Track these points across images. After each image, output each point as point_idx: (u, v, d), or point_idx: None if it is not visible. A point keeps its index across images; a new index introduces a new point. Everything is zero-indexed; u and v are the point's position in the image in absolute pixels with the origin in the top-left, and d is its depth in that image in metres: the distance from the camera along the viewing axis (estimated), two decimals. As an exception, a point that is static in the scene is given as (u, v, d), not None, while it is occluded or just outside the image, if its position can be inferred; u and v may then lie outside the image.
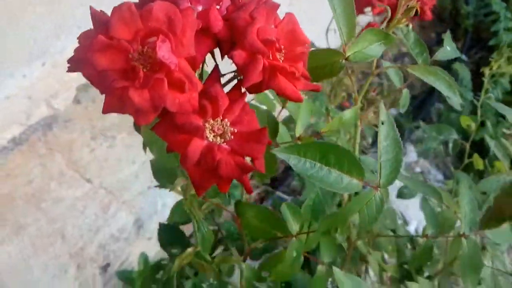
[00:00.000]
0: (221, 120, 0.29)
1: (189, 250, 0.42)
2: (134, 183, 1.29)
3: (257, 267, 0.43)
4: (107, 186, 1.26)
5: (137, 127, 0.32)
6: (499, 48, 0.80)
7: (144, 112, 0.25)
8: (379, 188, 0.35)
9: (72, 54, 0.28)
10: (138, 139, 1.46)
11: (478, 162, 0.78)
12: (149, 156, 1.35)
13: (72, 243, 1.19)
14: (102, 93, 0.27)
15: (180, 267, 0.41)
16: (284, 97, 0.29)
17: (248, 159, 0.29)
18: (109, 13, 0.27)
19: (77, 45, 0.28)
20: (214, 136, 0.28)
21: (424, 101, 1.79)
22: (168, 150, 0.28)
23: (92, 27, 0.28)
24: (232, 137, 0.29)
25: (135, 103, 0.25)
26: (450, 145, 0.82)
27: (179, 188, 0.37)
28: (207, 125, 0.28)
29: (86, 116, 1.21)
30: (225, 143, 0.28)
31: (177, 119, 0.27)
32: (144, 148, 0.33)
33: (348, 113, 0.38)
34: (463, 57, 1.96)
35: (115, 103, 0.26)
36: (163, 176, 0.36)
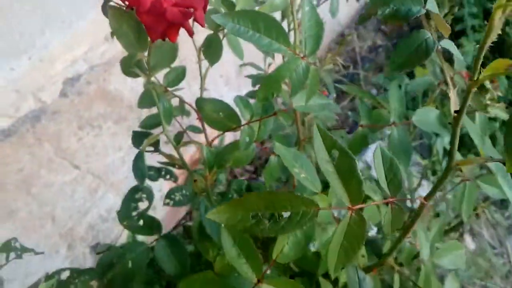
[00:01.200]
0: (168, -16, 0.37)
1: (155, 134, 0.49)
2: (121, 168, 1.33)
3: (216, 155, 0.50)
4: (94, 171, 1.30)
5: (105, 11, 0.40)
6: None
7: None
8: (305, 58, 0.42)
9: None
10: (124, 128, 1.51)
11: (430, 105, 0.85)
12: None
13: (62, 224, 1.22)
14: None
15: (148, 145, 0.48)
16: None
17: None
18: None
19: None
20: (162, -5, 0.36)
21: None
22: (128, 7, 0.36)
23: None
24: (177, -4, 0.37)
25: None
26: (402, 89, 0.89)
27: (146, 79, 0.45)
28: (156, -14, 0.36)
29: (73, 108, 1.26)
30: (170, -1, 0.36)
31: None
32: (112, 36, 0.41)
33: (279, -2, 0.46)
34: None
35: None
36: (129, 65, 0.43)
